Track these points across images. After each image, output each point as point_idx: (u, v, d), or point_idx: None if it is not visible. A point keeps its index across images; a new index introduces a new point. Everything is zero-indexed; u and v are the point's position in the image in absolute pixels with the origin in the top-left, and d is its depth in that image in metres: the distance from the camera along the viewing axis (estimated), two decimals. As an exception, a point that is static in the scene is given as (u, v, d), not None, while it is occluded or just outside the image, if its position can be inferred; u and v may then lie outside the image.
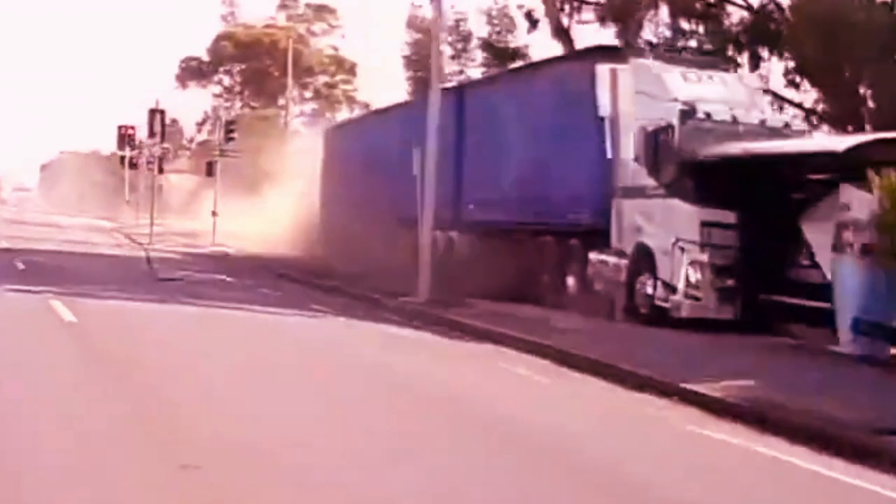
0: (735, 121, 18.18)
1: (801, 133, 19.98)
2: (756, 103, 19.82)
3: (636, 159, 18.41)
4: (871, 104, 25.32)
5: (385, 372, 12.09)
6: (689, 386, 11.05)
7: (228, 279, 24.94)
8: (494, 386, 11.65)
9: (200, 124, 78.59)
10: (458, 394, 10.86)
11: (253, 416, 8.79)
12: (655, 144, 18.00)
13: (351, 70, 76.08)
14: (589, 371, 12.47)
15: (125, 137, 46.86)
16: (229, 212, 46.24)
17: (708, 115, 18.06)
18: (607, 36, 31.06)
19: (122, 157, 48.06)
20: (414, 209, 21.30)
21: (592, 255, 19.05)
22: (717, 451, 8.84)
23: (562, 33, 33.03)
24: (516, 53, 38.78)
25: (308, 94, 79.21)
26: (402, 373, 12.09)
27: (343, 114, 70.85)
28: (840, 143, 16.91)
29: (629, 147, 18.62)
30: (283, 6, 79.02)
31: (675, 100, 18.41)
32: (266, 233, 36.72)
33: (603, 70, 19.36)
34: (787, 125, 19.36)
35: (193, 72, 78.12)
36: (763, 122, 18.59)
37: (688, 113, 17.87)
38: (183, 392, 9.78)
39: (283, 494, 6.54)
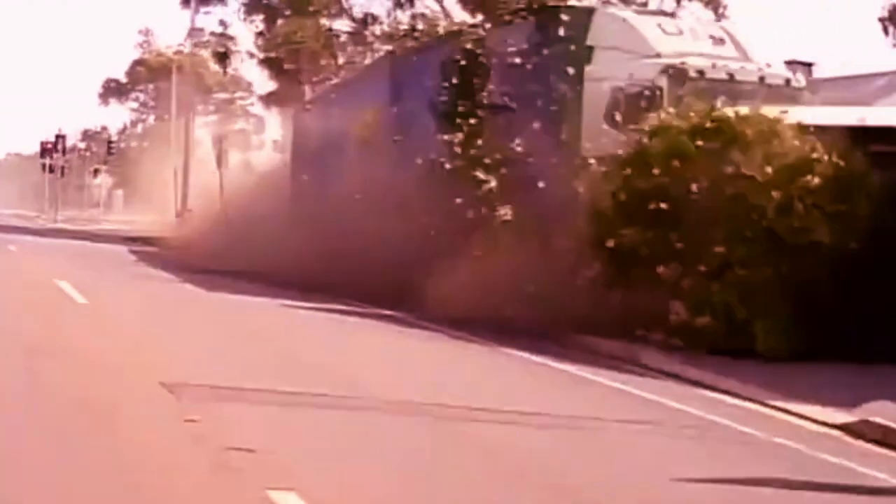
0: (732, 78, 16.49)
1: (801, 91, 17.51)
2: (747, 56, 17.75)
3: (611, 126, 16.33)
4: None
5: (90, 252, 29.82)
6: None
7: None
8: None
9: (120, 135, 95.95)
10: (126, 257, 28.60)
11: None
12: (638, 108, 15.70)
13: (248, 88, 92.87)
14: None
15: (45, 150, 63.78)
16: (138, 206, 62.45)
17: (701, 73, 16.28)
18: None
19: (44, 165, 64.85)
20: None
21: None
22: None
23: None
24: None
25: (211, 108, 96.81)
26: (102, 251, 29.83)
27: (240, 125, 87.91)
28: None
29: (598, 112, 16.52)
30: (191, 34, 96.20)
31: (658, 55, 16.38)
32: (158, 222, 48.36)
33: None
34: (787, 81, 17.37)
35: (113, 91, 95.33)
36: (762, 79, 16.87)
37: (677, 70, 16.07)
38: None
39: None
